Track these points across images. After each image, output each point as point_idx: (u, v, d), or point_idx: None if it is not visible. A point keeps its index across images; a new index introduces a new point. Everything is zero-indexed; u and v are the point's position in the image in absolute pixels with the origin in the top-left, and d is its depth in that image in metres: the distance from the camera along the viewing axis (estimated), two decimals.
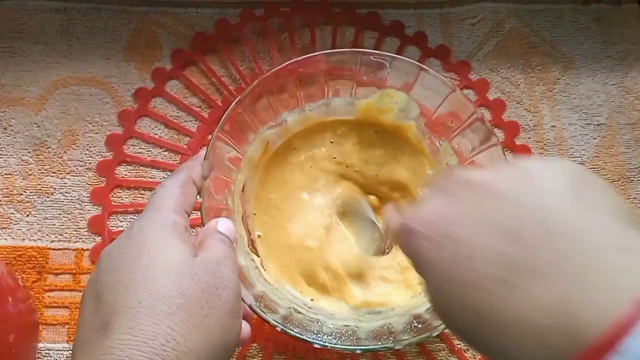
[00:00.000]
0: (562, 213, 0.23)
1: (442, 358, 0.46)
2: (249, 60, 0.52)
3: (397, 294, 0.42)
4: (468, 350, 0.46)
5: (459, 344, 0.46)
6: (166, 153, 0.49)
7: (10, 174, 0.48)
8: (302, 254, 0.43)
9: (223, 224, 0.32)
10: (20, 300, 0.42)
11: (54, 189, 0.48)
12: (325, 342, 0.36)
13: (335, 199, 0.45)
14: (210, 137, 0.49)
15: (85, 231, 0.47)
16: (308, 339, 0.35)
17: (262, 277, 0.41)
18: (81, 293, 0.28)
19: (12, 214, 0.47)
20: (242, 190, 0.42)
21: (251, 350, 0.45)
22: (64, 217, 0.47)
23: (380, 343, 0.36)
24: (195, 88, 0.51)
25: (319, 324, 0.38)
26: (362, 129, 0.45)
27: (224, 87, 0.51)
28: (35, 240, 0.47)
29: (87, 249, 0.47)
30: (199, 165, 0.35)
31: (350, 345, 0.36)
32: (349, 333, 0.38)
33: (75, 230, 0.47)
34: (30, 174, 0.48)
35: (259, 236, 0.43)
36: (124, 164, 0.49)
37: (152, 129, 0.50)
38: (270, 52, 0.52)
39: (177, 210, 0.30)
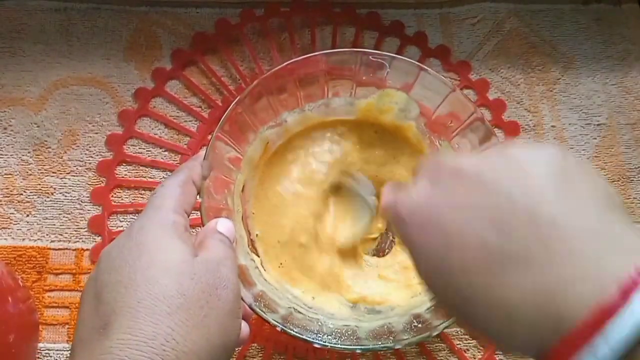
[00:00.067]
0: (546, 201, 0.23)
1: (442, 358, 0.46)
2: (249, 60, 0.52)
3: (396, 293, 0.42)
4: (468, 350, 0.46)
5: (459, 343, 0.46)
6: (166, 153, 0.49)
7: (10, 174, 0.48)
8: (296, 250, 0.43)
9: (223, 224, 0.32)
10: (20, 300, 0.42)
11: (54, 189, 0.48)
12: (325, 342, 0.36)
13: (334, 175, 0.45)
14: (210, 137, 0.49)
15: (85, 231, 0.47)
16: (308, 339, 0.35)
17: (262, 277, 0.41)
18: (81, 294, 0.28)
19: (12, 214, 0.47)
20: (242, 190, 0.42)
21: (251, 350, 0.45)
22: (64, 217, 0.47)
23: (380, 343, 0.36)
24: (195, 88, 0.51)
25: (319, 323, 0.38)
26: (362, 129, 0.45)
27: (224, 87, 0.51)
28: (35, 240, 0.47)
29: (87, 249, 0.47)
30: (198, 165, 0.35)
31: (350, 345, 0.36)
32: (349, 333, 0.38)
33: (75, 230, 0.47)
34: (30, 174, 0.48)
35: (257, 235, 0.43)
36: (124, 164, 0.49)
37: (152, 129, 0.50)
38: (270, 52, 0.52)
39: (177, 210, 0.30)
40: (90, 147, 0.49)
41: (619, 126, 0.52)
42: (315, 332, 0.37)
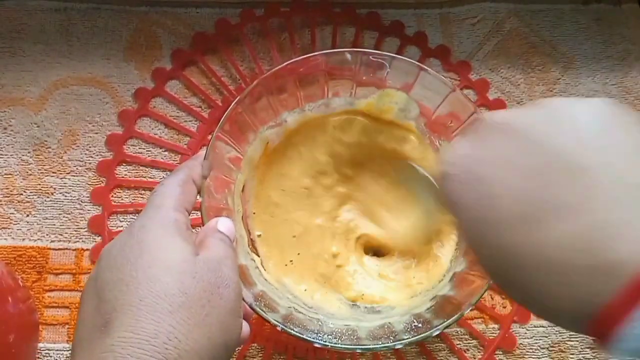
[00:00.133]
0: (591, 150, 0.22)
1: (442, 358, 0.46)
2: (249, 60, 0.52)
3: (395, 293, 0.42)
4: (468, 350, 0.46)
5: (459, 343, 0.46)
6: (166, 153, 0.49)
7: (10, 174, 0.48)
8: (301, 246, 0.43)
9: (223, 224, 0.32)
10: (20, 300, 0.42)
11: (54, 189, 0.48)
12: (325, 342, 0.36)
13: (334, 194, 0.45)
14: (210, 137, 0.49)
15: (85, 231, 0.47)
16: (308, 339, 0.35)
17: (262, 277, 0.41)
18: (81, 295, 0.28)
19: (12, 214, 0.47)
20: (242, 190, 0.42)
21: (251, 350, 0.45)
22: (64, 217, 0.47)
23: (380, 342, 0.36)
24: (195, 88, 0.51)
25: (319, 323, 0.38)
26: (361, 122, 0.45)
27: (224, 87, 0.51)
28: (35, 240, 0.47)
29: (87, 249, 0.47)
30: (198, 164, 0.35)
31: (351, 345, 0.36)
32: (349, 332, 0.38)
33: (75, 230, 0.47)
34: (30, 174, 0.48)
35: (259, 236, 0.43)
36: (124, 164, 0.49)
37: (152, 129, 0.50)
38: (270, 52, 0.52)
39: (178, 208, 0.30)
40: (90, 147, 0.49)
41: None
42: (316, 331, 0.37)
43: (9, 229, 0.47)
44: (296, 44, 0.52)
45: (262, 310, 0.35)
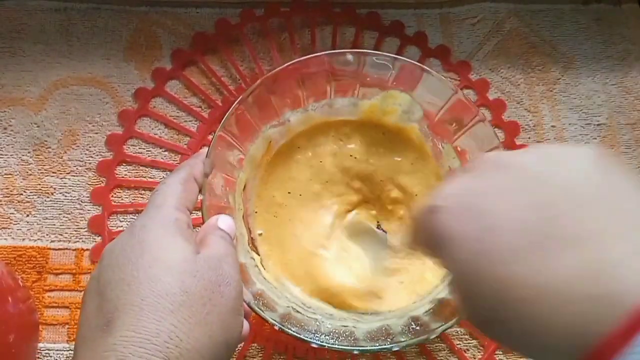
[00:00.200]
0: (590, 187, 0.23)
1: (442, 358, 0.46)
2: (249, 60, 0.52)
3: (393, 296, 0.43)
4: (468, 350, 0.46)
5: (459, 343, 0.46)
6: (166, 153, 0.49)
7: (10, 174, 0.48)
8: (306, 254, 0.43)
9: (223, 221, 0.32)
10: (20, 300, 0.42)
11: (54, 189, 0.48)
12: (322, 342, 0.36)
13: (338, 200, 0.45)
14: (210, 137, 0.49)
15: (85, 231, 0.47)
16: (305, 338, 0.36)
17: (262, 276, 0.41)
18: (81, 293, 0.28)
19: (12, 214, 0.47)
20: (244, 188, 0.42)
21: (251, 350, 0.45)
22: (64, 217, 0.47)
23: (377, 344, 0.36)
24: (195, 88, 0.51)
25: (317, 323, 0.38)
26: (366, 130, 0.45)
27: (224, 87, 0.51)
28: (35, 240, 0.47)
29: (87, 249, 0.47)
30: (200, 162, 0.35)
31: (348, 346, 0.36)
32: (346, 333, 0.38)
33: (75, 230, 0.47)
34: (30, 174, 0.48)
35: (260, 234, 0.43)
36: (124, 164, 0.49)
37: (152, 129, 0.50)
38: (270, 52, 0.52)
39: (179, 207, 0.30)
40: (90, 147, 0.49)
41: (619, 126, 0.52)
42: (313, 331, 0.37)
43: (9, 229, 0.47)
44: (296, 44, 0.52)
45: (260, 309, 0.35)
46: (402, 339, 0.36)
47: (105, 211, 0.47)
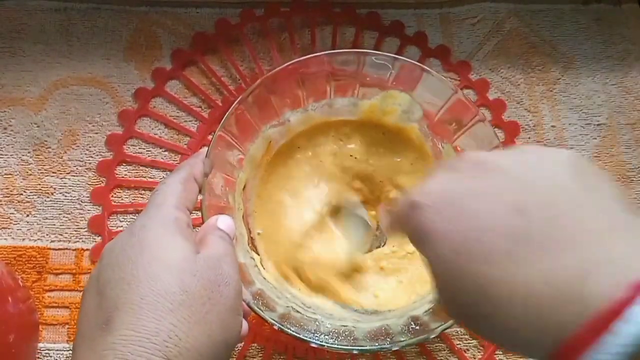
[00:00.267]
0: (569, 193, 0.23)
1: (442, 358, 0.46)
2: (249, 60, 0.52)
3: (393, 296, 0.43)
4: (468, 350, 0.46)
5: (459, 343, 0.46)
6: (166, 153, 0.49)
7: (10, 174, 0.48)
8: (293, 251, 0.43)
9: (223, 221, 0.32)
10: (20, 300, 0.42)
11: (54, 189, 0.48)
12: (322, 342, 0.36)
13: (331, 197, 0.45)
14: (210, 137, 0.49)
15: (85, 231, 0.47)
16: (305, 338, 0.36)
17: (261, 275, 0.41)
18: (81, 293, 0.28)
19: (12, 214, 0.47)
20: (244, 188, 0.42)
21: (251, 350, 0.45)
22: (64, 217, 0.47)
23: (377, 344, 0.36)
24: (195, 88, 0.51)
25: (317, 323, 0.38)
26: (365, 129, 0.45)
27: (224, 87, 0.51)
28: (35, 240, 0.47)
29: (87, 249, 0.47)
30: (200, 162, 0.35)
31: (347, 346, 0.36)
32: (346, 333, 0.38)
33: (75, 230, 0.47)
34: (30, 174, 0.48)
35: (258, 234, 0.43)
36: (124, 164, 0.49)
37: (152, 129, 0.50)
38: (270, 52, 0.52)
39: (179, 207, 0.30)
40: (90, 147, 0.49)
41: (619, 126, 0.52)
42: (313, 331, 0.37)
43: (9, 229, 0.47)
44: (296, 44, 0.52)
45: (259, 308, 0.35)
46: (402, 339, 0.36)
47: (105, 211, 0.47)
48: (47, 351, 0.44)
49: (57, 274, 0.46)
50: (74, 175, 0.48)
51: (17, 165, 0.48)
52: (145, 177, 0.49)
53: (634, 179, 0.51)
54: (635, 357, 0.19)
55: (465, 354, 0.46)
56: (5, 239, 0.47)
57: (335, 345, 0.36)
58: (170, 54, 0.51)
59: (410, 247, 0.44)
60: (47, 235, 0.47)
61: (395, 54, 0.47)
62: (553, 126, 0.52)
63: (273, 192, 0.44)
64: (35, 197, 0.48)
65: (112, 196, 0.48)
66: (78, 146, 0.49)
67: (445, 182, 0.27)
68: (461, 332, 0.46)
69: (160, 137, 0.50)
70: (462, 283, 0.24)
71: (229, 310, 0.28)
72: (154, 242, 0.28)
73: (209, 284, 0.27)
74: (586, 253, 0.22)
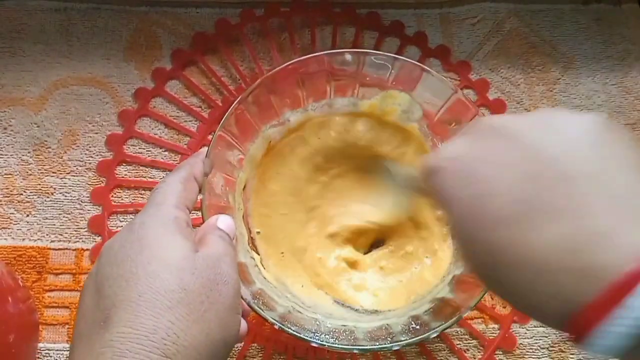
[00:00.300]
0: (583, 160, 0.23)
1: (442, 358, 0.46)
2: (249, 60, 0.52)
3: (392, 295, 0.43)
4: (468, 350, 0.46)
5: (459, 343, 0.46)
6: (166, 153, 0.49)
7: (10, 174, 0.48)
8: (299, 248, 0.43)
9: (223, 221, 0.32)
10: (20, 300, 0.42)
11: (54, 189, 0.48)
12: (322, 342, 0.36)
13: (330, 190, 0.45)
14: (210, 137, 0.49)
15: (85, 231, 0.47)
16: (305, 338, 0.35)
17: (261, 275, 0.41)
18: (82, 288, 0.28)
19: (12, 214, 0.47)
20: (244, 188, 0.42)
21: (251, 350, 0.45)
22: (64, 217, 0.47)
23: (377, 343, 0.36)
24: (195, 88, 0.51)
25: (317, 322, 0.38)
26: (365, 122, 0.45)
27: (224, 87, 0.51)
28: (35, 240, 0.47)
29: (87, 249, 0.47)
30: (200, 162, 0.35)
31: (348, 345, 0.36)
32: (346, 333, 0.38)
33: (75, 230, 0.47)
34: (30, 174, 0.48)
35: (258, 233, 0.43)
36: (124, 164, 0.49)
37: (152, 129, 0.50)
38: (270, 52, 0.52)
39: (179, 206, 0.30)
40: (90, 147, 0.49)
41: None
42: (313, 331, 0.37)
43: (9, 229, 0.47)
44: (296, 44, 0.52)
45: (259, 308, 0.35)
46: (402, 338, 0.36)
47: (105, 211, 0.47)
48: (47, 351, 0.44)
49: (57, 274, 0.46)
50: (74, 175, 0.48)
51: (17, 165, 0.48)
52: (145, 177, 0.49)
53: None
54: None
55: (465, 354, 0.46)
56: (5, 239, 0.47)
57: (336, 345, 0.36)
58: (170, 54, 0.51)
59: (410, 247, 0.44)
60: (47, 235, 0.47)
61: (395, 54, 0.47)
62: None
63: (269, 186, 0.44)
64: (35, 197, 0.48)
65: (112, 196, 0.48)
66: (78, 146, 0.49)
67: (459, 146, 0.27)
68: (461, 332, 0.46)
69: (160, 137, 0.50)
70: (474, 247, 0.25)
71: (227, 309, 0.28)
72: (153, 241, 0.28)
73: (207, 283, 0.27)
74: (597, 222, 0.21)
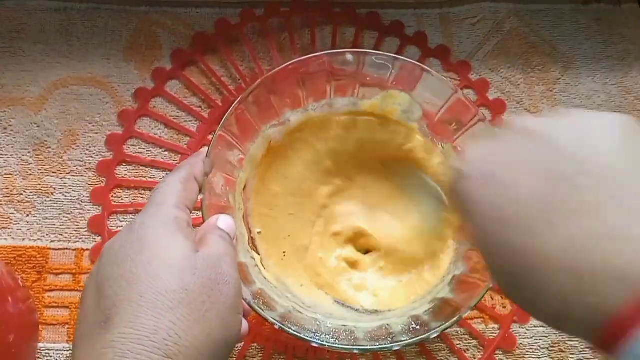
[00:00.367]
0: (610, 161, 0.23)
1: (442, 358, 0.46)
2: (249, 60, 0.52)
3: (392, 295, 0.43)
4: (468, 350, 0.46)
5: (459, 343, 0.46)
6: (166, 153, 0.49)
7: (10, 174, 0.48)
8: (301, 243, 0.43)
9: (223, 221, 0.32)
10: (20, 300, 0.42)
11: (54, 189, 0.48)
12: (323, 342, 0.36)
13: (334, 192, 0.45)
14: (210, 137, 0.49)
15: (85, 231, 0.47)
16: (306, 338, 0.36)
17: (262, 275, 0.41)
18: (81, 293, 0.28)
19: (12, 214, 0.47)
20: (244, 188, 0.42)
21: (251, 350, 0.45)
22: (64, 217, 0.47)
23: (377, 344, 0.36)
24: (195, 88, 0.51)
25: (317, 323, 0.38)
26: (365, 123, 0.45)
27: (224, 87, 0.51)
28: (35, 240, 0.47)
29: (87, 249, 0.47)
30: (200, 161, 0.35)
31: (348, 345, 0.36)
32: (347, 333, 0.38)
33: (75, 230, 0.47)
34: (30, 174, 0.48)
35: (258, 233, 0.43)
36: (124, 164, 0.49)
37: (152, 129, 0.50)
38: (270, 52, 0.52)
39: (179, 206, 0.30)
40: (90, 147, 0.49)
41: None
42: (314, 331, 0.37)
43: (9, 229, 0.47)
44: (296, 44, 0.52)
45: (260, 308, 0.35)
46: (403, 339, 0.36)
47: (105, 211, 0.47)
48: (47, 351, 0.44)
49: (57, 274, 0.46)
50: (74, 175, 0.48)
51: (17, 165, 0.48)
52: (145, 177, 0.49)
53: None
54: None
55: (465, 354, 0.46)
56: (5, 239, 0.47)
57: (336, 345, 0.36)
58: (170, 54, 0.51)
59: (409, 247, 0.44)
60: (47, 235, 0.47)
61: (395, 54, 0.47)
62: None
63: (270, 186, 0.44)
64: (35, 197, 0.48)
65: (112, 196, 0.48)
66: (78, 146, 0.49)
67: (485, 150, 0.27)
68: (461, 332, 0.46)
69: (160, 137, 0.50)
70: (500, 251, 0.25)
71: (228, 309, 0.28)
72: (154, 241, 0.28)
73: (208, 283, 0.27)
74: (629, 223, 0.21)
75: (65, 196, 0.48)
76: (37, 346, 0.44)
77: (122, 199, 0.48)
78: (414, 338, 0.36)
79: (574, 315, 0.22)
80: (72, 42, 0.51)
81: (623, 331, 0.20)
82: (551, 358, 0.46)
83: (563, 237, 0.22)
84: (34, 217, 0.47)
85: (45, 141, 0.49)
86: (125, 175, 0.49)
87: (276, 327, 0.35)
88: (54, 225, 0.47)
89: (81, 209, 0.48)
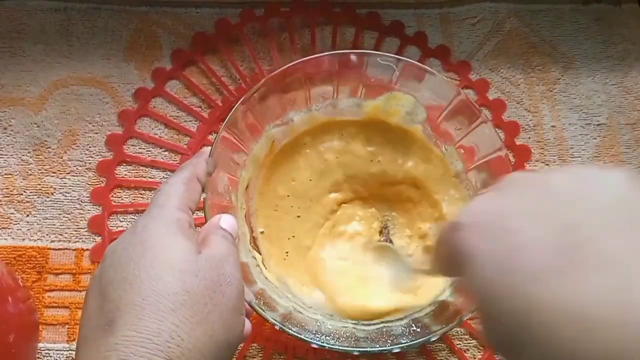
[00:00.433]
0: (622, 211, 0.22)
1: (442, 358, 0.46)
2: (249, 60, 0.52)
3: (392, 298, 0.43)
4: (468, 350, 0.46)
5: (459, 343, 0.46)
6: (166, 153, 0.49)
7: (10, 174, 0.48)
8: (304, 251, 0.43)
9: (225, 221, 0.32)
10: (20, 300, 0.42)
11: (54, 189, 0.48)
12: (323, 342, 0.36)
13: (339, 198, 0.45)
14: (210, 137, 0.49)
15: (85, 231, 0.47)
16: (306, 339, 0.36)
17: (263, 275, 0.41)
18: (81, 293, 0.29)
19: (12, 214, 0.47)
20: (247, 187, 0.42)
21: (251, 350, 0.45)
22: (64, 217, 0.47)
23: (378, 345, 0.36)
24: (195, 88, 0.51)
25: (318, 323, 0.38)
26: (370, 130, 0.45)
27: (224, 87, 0.51)
28: (35, 240, 0.47)
29: (87, 249, 0.47)
30: (203, 162, 0.35)
31: (348, 347, 0.36)
32: (347, 334, 0.38)
33: (75, 230, 0.47)
34: (30, 174, 0.48)
35: (261, 232, 0.43)
36: (124, 164, 0.49)
37: (152, 129, 0.50)
38: (270, 52, 0.52)
39: (181, 207, 0.30)
40: (90, 147, 0.49)
41: (619, 126, 0.52)
42: (314, 332, 0.37)
43: (9, 229, 0.47)
44: (296, 44, 0.52)
45: (261, 308, 0.35)
46: (403, 341, 0.36)
47: (105, 211, 0.47)
48: (47, 351, 0.44)
49: (57, 274, 0.46)
50: (74, 175, 0.48)
51: (17, 165, 0.48)
52: (145, 177, 0.49)
53: None
54: None
55: (465, 354, 0.46)
56: (5, 239, 0.47)
57: (337, 346, 0.36)
58: (170, 54, 0.51)
59: (409, 247, 0.44)
60: (47, 235, 0.47)
61: (395, 54, 0.47)
62: (553, 126, 0.52)
63: (276, 189, 0.44)
64: (35, 197, 0.48)
65: (112, 196, 0.48)
66: (78, 146, 0.49)
67: (487, 201, 0.26)
68: (461, 332, 0.46)
69: (160, 137, 0.50)
70: (502, 307, 0.23)
71: (231, 310, 0.28)
72: (156, 243, 0.28)
73: (211, 284, 0.27)
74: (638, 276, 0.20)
75: (65, 196, 0.48)
76: (37, 346, 0.44)
77: (122, 199, 0.48)
78: (414, 340, 0.36)
79: None
80: (72, 42, 0.51)
81: None
82: None
83: (574, 291, 0.21)
84: (34, 217, 0.47)
85: (45, 141, 0.49)
86: (125, 175, 0.49)
87: (277, 327, 0.35)
88: (54, 225, 0.47)
89: (81, 209, 0.48)
